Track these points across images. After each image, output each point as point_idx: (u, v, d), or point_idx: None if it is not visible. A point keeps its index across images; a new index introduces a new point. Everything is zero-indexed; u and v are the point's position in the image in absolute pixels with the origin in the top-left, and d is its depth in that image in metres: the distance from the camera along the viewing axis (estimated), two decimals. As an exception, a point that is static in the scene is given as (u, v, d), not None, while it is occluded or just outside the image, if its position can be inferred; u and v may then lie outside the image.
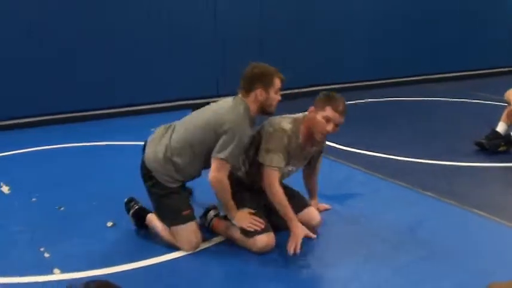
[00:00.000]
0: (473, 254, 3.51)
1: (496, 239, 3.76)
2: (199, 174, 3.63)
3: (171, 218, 3.51)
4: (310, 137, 3.55)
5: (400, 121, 6.75)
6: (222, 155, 3.36)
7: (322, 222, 3.76)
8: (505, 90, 5.69)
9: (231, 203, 3.48)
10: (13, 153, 5.47)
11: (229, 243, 3.58)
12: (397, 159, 5.21)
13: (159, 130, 3.67)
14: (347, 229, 3.87)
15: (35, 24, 6.28)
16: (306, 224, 3.58)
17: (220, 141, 3.37)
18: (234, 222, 3.51)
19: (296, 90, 7.50)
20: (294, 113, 3.66)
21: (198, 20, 7.22)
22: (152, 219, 3.66)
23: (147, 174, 3.55)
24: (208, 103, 3.67)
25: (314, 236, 3.43)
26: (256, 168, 3.53)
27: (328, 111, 3.42)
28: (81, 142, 5.78)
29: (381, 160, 5.22)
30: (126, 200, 3.87)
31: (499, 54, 9.43)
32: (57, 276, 3.22)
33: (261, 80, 3.46)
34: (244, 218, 3.47)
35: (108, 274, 3.22)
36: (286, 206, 3.42)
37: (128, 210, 3.80)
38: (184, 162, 3.47)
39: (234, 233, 3.55)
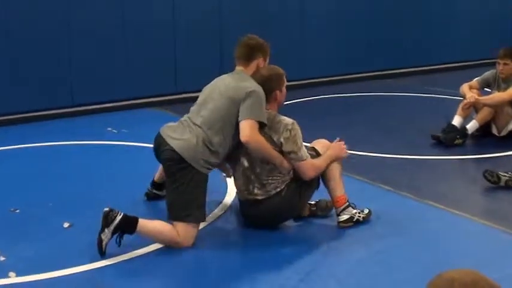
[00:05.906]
0: (429, 246, 3.57)
1: (451, 231, 3.83)
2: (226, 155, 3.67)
3: (197, 213, 3.51)
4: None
5: (359, 116, 6.79)
6: (249, 115, 3.48)
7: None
8: (460, 85, 5.82)
9: (274, 153, 3.56)
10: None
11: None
12: (357, 154, 5.25)
13: (175, 123, 3.68)
14: (306, 224, 3.89)
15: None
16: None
17: (243, 106, 3.50)
18: (281, 168, 3.60)
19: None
20: None
21: (157, 17, 7.17)
22: (145, 224, 3.44)
23: (180, 164, 3.47)
24: (166, 101, 3.67)
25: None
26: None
27: None
28: (36, 143, 5.67)
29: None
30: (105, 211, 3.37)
31: (452, 50, 9.59)
32: (12, 279, 3.16)
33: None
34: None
35: (66, 275, 3.18)
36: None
37: (111, 222, 3.33)
38: (217, 142, 3.52)
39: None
